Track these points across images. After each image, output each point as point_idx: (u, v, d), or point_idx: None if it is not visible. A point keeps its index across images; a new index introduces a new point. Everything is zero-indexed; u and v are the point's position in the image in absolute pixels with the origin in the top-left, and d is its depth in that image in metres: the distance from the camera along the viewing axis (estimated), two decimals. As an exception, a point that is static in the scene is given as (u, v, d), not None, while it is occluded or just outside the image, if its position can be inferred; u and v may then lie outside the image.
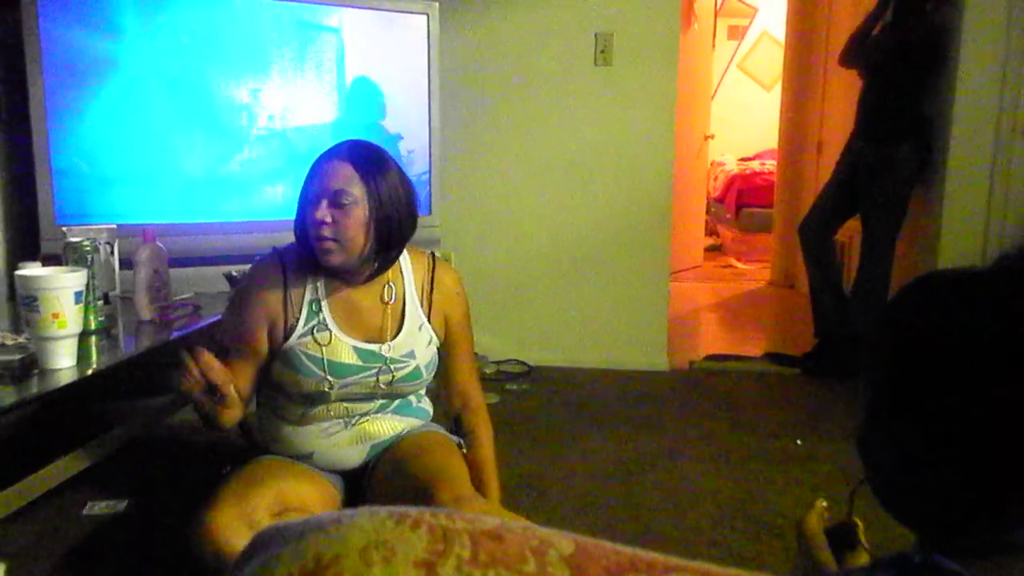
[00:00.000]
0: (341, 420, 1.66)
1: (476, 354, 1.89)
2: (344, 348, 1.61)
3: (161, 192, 2.49)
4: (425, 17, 2.89)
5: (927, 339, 0.70)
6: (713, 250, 7.26)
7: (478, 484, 1.67)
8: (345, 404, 1.64)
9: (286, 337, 1.60)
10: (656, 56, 3.56)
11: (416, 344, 1.67)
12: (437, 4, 2.92)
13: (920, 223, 3.46)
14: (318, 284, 1.63)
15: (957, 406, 0.66)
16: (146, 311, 2.04)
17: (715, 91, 7.75)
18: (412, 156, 2.91)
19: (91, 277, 1.74)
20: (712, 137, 6.77)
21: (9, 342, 1.66)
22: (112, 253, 2.01)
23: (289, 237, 1.65)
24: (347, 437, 1.66)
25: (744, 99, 8.49)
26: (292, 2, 2.63)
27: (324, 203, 1.53)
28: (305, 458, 1.66)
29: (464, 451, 1.74)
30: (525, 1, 3.58)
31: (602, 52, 3.57)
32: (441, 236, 3.00)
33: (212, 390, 1.48)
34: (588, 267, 3.73)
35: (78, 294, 1.54)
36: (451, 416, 1.81)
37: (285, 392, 1.65)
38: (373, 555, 0.47)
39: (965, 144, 3.25)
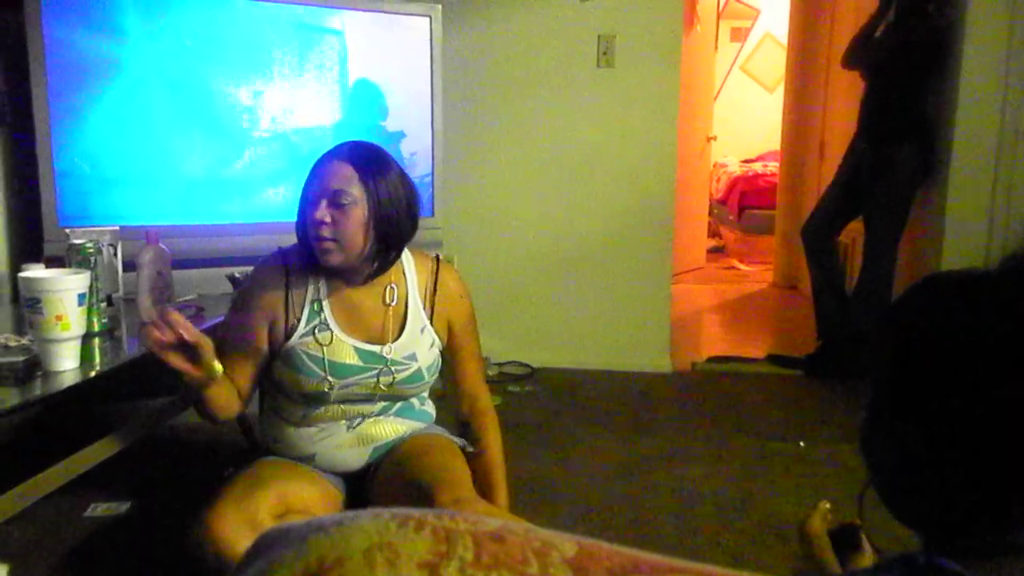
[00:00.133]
0: (343, 422, 1.66)
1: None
2: (345, 348, 1.61)
3: (164, 194, 2.50)
4: (427, 19, 2.89)
5: (931, 340, 0.70)
6: (715, 252, 7.26)
7: (487, 488, 1.66)
8: (346, 405, 1.64)
9: (287, 337, 1.61)
10: (658, 58, 3.56)
11: (418, 347, 1.67)
12: (439, 6, 2.92)
13: (923, 224, 3.46)
14: (320, 284, 1.63)
15: (960, 407, 0.66)
16: (149, 313, 2.04)
17: (717, 93, 7.74)
18: (414, 158, 2.91)
19: (94, 279, 1.74)
20: (714, 139, 6.77)
21: (12, 344, 1.66)
22: (115, 255, 2.01)
23: (292, 239, 1.65)
24: (349, 439, 1.66)
25: (747, 101, 8.49)
26: (294, 4, 2.63)
27: (323, 203, 1.53)
28: (307, 460, 1.66)
29: (469, 451, 1.74)
30: (527, 3, 3.58)
31: (604, 54, 3.57)
32: (443, 238, 3.00)
33: (189, 354, 1.45)
34: (590, 269, 3.73)
35: (81, 296, 1.55)
36: (460, 419, 1.81)
37: (286, 392, 1.65)
38: (376, 557, 0.47)
39: (968, 145, 3.25)
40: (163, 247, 2.07)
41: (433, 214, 2.96)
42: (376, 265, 1.61)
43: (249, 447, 2.41)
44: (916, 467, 0.70)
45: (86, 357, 1.61)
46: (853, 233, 3.88)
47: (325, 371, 1.59)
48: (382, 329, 1.65)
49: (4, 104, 2.44)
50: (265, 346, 1.62)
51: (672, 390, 3.48)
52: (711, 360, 3.86)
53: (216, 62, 2.55)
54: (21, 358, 1.54)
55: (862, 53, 3.55)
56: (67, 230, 1.98)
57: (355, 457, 1.67)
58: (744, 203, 7.00)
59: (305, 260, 1.62)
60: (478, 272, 3.39)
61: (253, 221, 2.60)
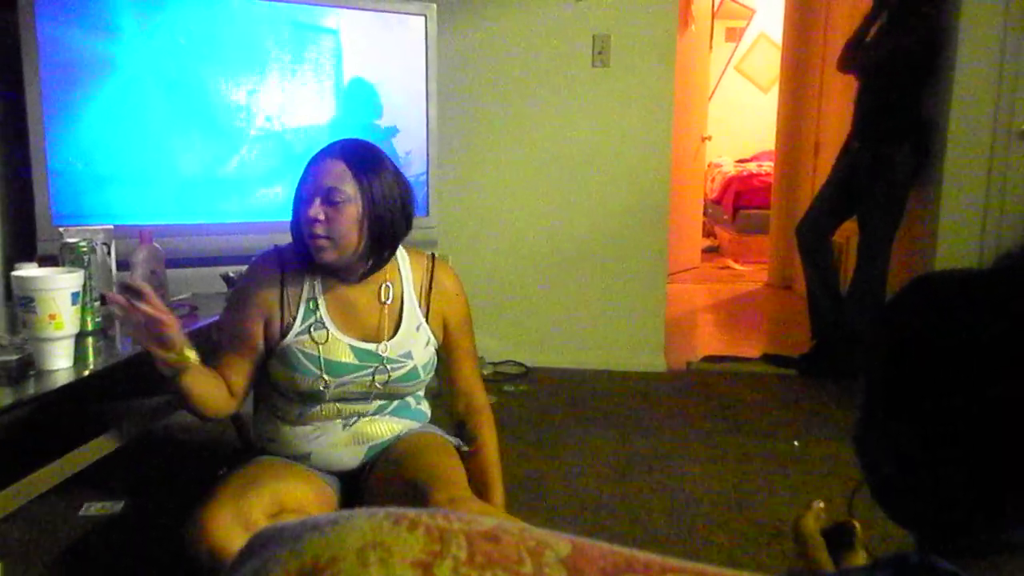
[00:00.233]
0: (339, 421, 1.66)
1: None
2: (341, 347, 1.61)
3: (158, 193, 2.49)
4: (423, 18, 2.89)
5: (925, 339, 0.70)
6: (710, 251, 7.27)
7: (482, 488, 1.67)
8: (342, 404, 1.64)
9: (283, 335, 1.60)
10: (653, 57, 3.57)
11: (414, 345, 1.67)
12: (435, 5, 2.92)
13: (917, 224, 3.47)
14: (315, 282, 1.63)
15: (954, 406, 0.66)
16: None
17: (712, 93, 7.75)
18: (409, 157, 2.91)
19: (88, 278, 1.74)
20: (709, 139, 6.78)
21: (5, 343, 1.66)
22: (109, 254, 2.01)
23: (286, 238, 1.65)
24: (344, 438, 1.66)
25: (741, 101, 8.50)
26: (289, 3, 2.63)
27: (317, 201, 1.53)
28: (302, 459, 1.66)
29: (464, 451, 1.74)
30: (522, 3, 3.59)
31: (599, 53, 3.57)
32: (438, 237, 3.01)
33: (156, 333, 1.43)
34: (586, 268, 3.74)
35: (75, 295, 1.54)
36: (455, 418, 1.81)
37: (282, 391, 1.65)
38: (370, 556, 0.47)
39: (962, 145, 3.26)
40: (157, 246, 2.07)
41: (428, 213, 2.96)
42: (371, 263, 1.61)
43: (243, 446, 2.41)
44: (910, 467, 0.71)
45: (80, 356, 1.61)
46: (847, 233, 3.89)
47: (321, 369, 1.59)
48: (378, 327, 1.65)
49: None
50: (260, 344, 1.62)
51: (667, 390, 3.48)
52: (706, 360, 3.87)
53: (211, 61, 2.54)
54: (14, 357, 1.54)
55: (858, 57, 3.55)
56: (61, 229, 1.97)
57: (350, 456, 1.67)
58: (739, 203, 7.01)
59: (300, 258, 1.62)
60: (473, 271, 3.39)
61: (247, 220, 2.60)
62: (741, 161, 8.21)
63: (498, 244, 3.77)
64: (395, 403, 1.72)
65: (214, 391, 1.58)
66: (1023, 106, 3.21)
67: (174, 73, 2.49)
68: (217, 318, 1.92)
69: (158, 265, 2.06)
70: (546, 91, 3.64)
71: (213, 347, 1.66)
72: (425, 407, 1.82)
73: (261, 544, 0.53)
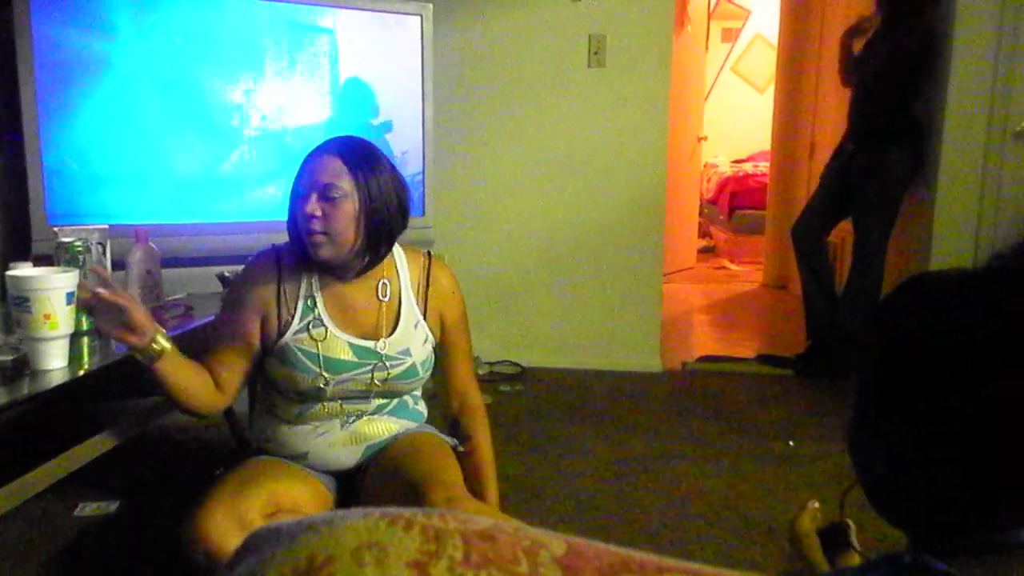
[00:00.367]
0: (336, 420, 1.66)
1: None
2: (340, 344, 1.61)
3: (154, 192, 2.49)
4: (419, 18, 2.89)
5: (917, 339, 0.70)
6: (706, 252, 7.28)
7: (476, 487, 1.67)
8: (340, 402, 1.64)
9: (281, 334, 1.60)
10: (649, 58, 3.57)
11: (412, 342, 1.67)
12: (431, 5, 2.92)
13: (912, 225, 3.48)
14: (312, 280, 1.63)
15: (947, 406, 0.66)
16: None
17: (708, 93, 7.76)
18: (405, 157, 2.91)
19: (83, 277, 1.73)
20: (705, 139, 6.78)
21: (0, 343, 1.65)
22: (104, 253, 2.00)
23: (281, 238, 1.65)
24: (342, 437, 1.66)
25: (737, 101, 8.51)
26: (285, 3, 2.63)
27: (314, 197, 1.53)
28: (299, 458, 1.66)
29: (460, 451, 1.74)
30: (518, 2, 3.59)
31: (595, 53, 3.57)
32: (434, 237, 3.00)
33: (125, 326, 1.43)
34: (581, 268, 3.74)
35: (70, 295, 1.54)
36: (449, 417, 1.81)
37: (280, 390, 1.65)
38: (366, 556, 0.47)
39: (957, 146, 3.27)
40: (152, 246, 2.07)
41: (424, 213, 2.96)
42: (367, 259, 1.61)
43: (238, 446, 2.40)
44: (903, 467, 0.71)
45: (74, 356, 1.61)
46: (843, 233, 3.90)
47: (320, 367, 1.59)
48: (376, 324, 1.65)
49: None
50: (257, 342, 1.62)
51: (662, 390, 3.49)
52: (701, 360, 3.87)
53: (206, 60, 2.54)
54: (9, 357, 1.53)
55: (858, 68, 3.55)
56: (56, 228, 1.97)
57: (348, 455, 1.67)
58: (734, 203, 7.01)
59: (297, 257, 1.62)
60: (469, 271, 3.39)
61: (243, 220, 2.59)
62: (737, 161, 8.22)
63: (494, 244, 3.77)
64: (393, 403, 1.72)
65: (195, 382, 1.57)
66: (1018, 107, 3.22)
67: (170, 72, 2.49)
68: (212, 318, 1.91)
69: (153, 265, 2.06)
70: (542, 91, 3.64)
71: (209, 344, 1.66)
72: (422, 407, 1.82)
73: (257, 544, 0.53)
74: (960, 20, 3.19)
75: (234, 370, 1.62)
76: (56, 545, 2.07)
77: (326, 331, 1.61)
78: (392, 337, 1.65)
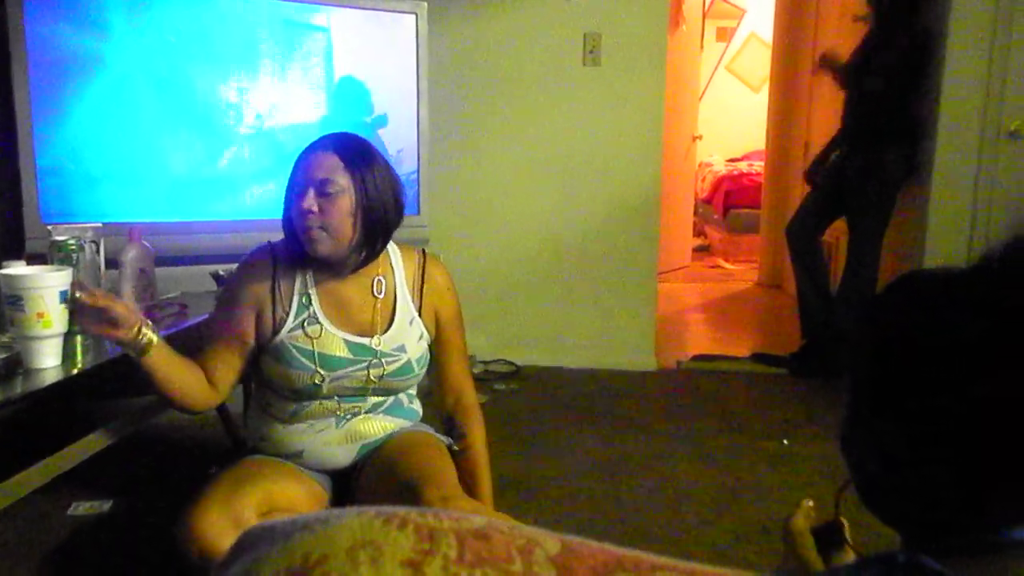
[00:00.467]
0: (332, 418, 1.65)
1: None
2: (335, 341, 1.61)
3: (147, 191, 2.48)
4: (414, 16, 2.88)
5: (909, 338, 0.70)
6: (701, 250, 7.28)
7: (471, 485, 1.67)
8: (336, 400, 1.64)
9: (276, 331, 1.60)
10: (644, 56, 3.57)
11: (407, 339, 1.67)
12: (425, 4, 2.92)
13: (906, 225, 3.48)
14: (307, 277, 1.63)
15: (939, 405, 0.66)
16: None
17: (703, 92, 7.76)
18: (400, 155, 2.90)
19: (76, 276, 1.73)
20: (700, 138, 6.79)
21: (-7, 341, 1.65)
22: (98, 252, 1.99)
23: (276, 237, 1.65)
24: (337, 436, 1.66)
25: (732, 100, 8.51)
26: (280, 1, 2.62)
27: (311, 192, 1.53)
28: (294, 457, 1.65)
29: (455, 449, 1.74)
30: (514, 1, 3.58)
31: (590, 52, 3.57)
32: (429, 236, 3.00)
33: (110, 321, 1.44)
34: (576, 267, 3.74)
35: (63, 293, 1.53)
36: (444, 415, 1.81)
37: (276, 388, 1.64)
38: (360, 555, 0.47)
39: (951, 147, 3.28)
40: (146, 244, 2.06)
41: (419, 212, 2.96)
42: (364, 255, 1.61)
43: (233, 445, 2.40)
44: (895, 465, 0.71)
45: (68, 355, 1.60)
46: (837, 233, 3.90)
47: (315, 364, 1.59)
48: (371, 321, 1.65)
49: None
50: (252, 339, 1.62)
51: (657, 389, 3.49)
52: (696, 359, 3.88)
53: (200, 58, 2.53)
54: (1, 356, 1.53)
55: (852, 69, 3.55)
56: (49, 227, 1.96)
57: (343, 454, 1.67)
58: (729, 202, 7.02)
59: (293, 254, 1.62)
60: (464, 270, 3.39)
61: (237, 218, 2.59)
62: (732, 160, 8.22)
63: (489, 243, 3.77)
64: (389, 402, 1.72)
65: (187, 377, 1.57)
66: (1012, 106, 3.23)
67: (164, 71, 2.48)
68: (207, 316, 1.91)
69: (147, 263, 2.05)
70: (537, 90, 3.64)
71: (204, 341, 1.66)
72: (417, 406, 1.82)
73: (251, 543, 0.53)
74: (954, 20, 3.20)
75: (228, 366, 1.62)
76: (49, 545, 2.06)
77: (321, 328, 1.60)
78: (387, 334, 1.65)
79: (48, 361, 1.55)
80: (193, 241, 2.48)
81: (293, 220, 1.57)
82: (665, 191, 3.90)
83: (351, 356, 1.62)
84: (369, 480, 1.64)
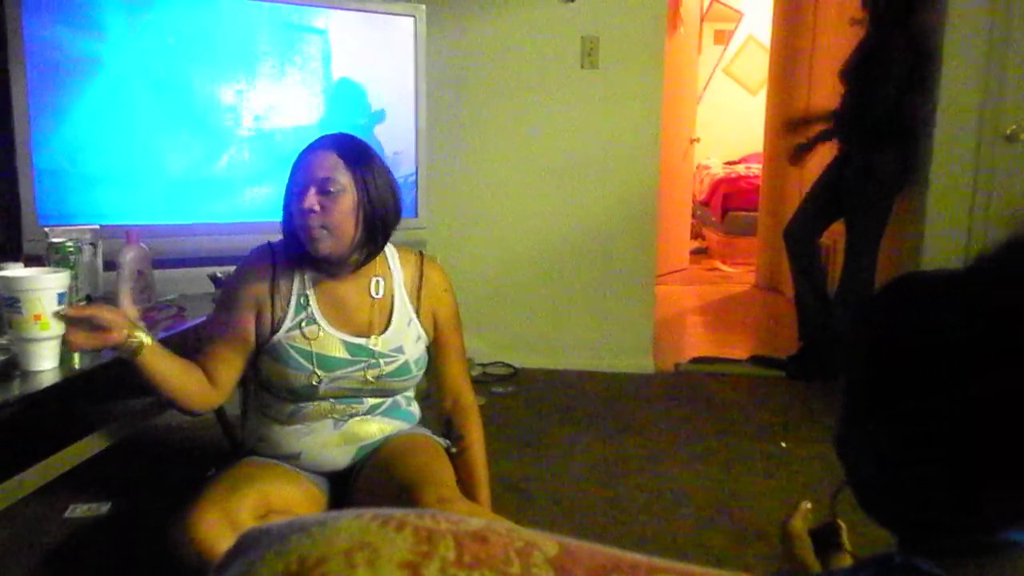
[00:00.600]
0: (329, 420, 1.65)
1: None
2: (333, 341, 1.61)
3: (145, 193, 2.48)
4: (412, 19, 2.88)
5: (904, 339, 0.70)
6: (699, 253, 7.29)
7: (469, 487, 1.67)
8: (333, 402, 1.64)
9: (274, 331, 1.60)
10: (642, 59, 3.57)
11: (405, 339, 1.67)
12: (424, 6, 2.92)
13: (904, 227, 3.49)
14: (305, 278, 1.64)
15: (933, 406, 0.67)
16: (130, 312, 2.02)
17: (701, 95, 7.78)
18: (398, 158, 2.90)
19: (74, 278, 1.73)
20: (698, 140, 6.79)
21: (-10, 343, 1.65)
22: (95, 254, 2.00)
23: (274, 239, 1.65)
24: (335, 437, 1.66)
25: (730, 103, 8.53)
26: (278, 3, 2.62)
27: (312, 191, 1.53)
28: (292, 458, 1.65)
29: (453, 452, 1.74)
30: (512, 4, 3.59)
31: (588, 55, 3.58)
32: (427, 238, 3.00)
33: (98, 327, 1.45)
34: (574, 270, 3.74)
35: (61, 295, 1.53)
36: (442, 417, 1.81)
37: (273, 390, 1.64)
38: (357, 557, 0.47)
39: (948, 148, 3.28)
40: (144, 246, 2.06)
41: (417, 214, 2.96)
42: (365, 253, 1.61)
43: (231, 447, 2.40)
44: (890, 466, 0.71)
45: (65, 357, 1.60)
46: (835, 235, 3.91)
47: (313, 364, 1.59)
48: (369, 322, 1.65)
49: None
50: (251, 338, 1.62)
51: (655, 391, 3.49)
52: (694, 361, 3.88)
53: (199, 60, 2.53)
54: (-1, 358, 1.53)
55: (849, 70, 3.55)
56: (47, 229, 1.96)
57: (341, 456, 1.67)
58: (727, 205, 7.03)
59: (292, 254, 1.62)
60: (462, 273, 3.39)
61: (235, 220, 2.59)
62: (729, 163, 8.24)
63: (487, 245, 3.77)
64: (387, 403, 1.72)
65: (184, 376, 1.56)
66: (1009, 109, 3.23)
67: (162, 72, 2.48)
68: (205, 318, 1.91)
69: (145, 265, 2.05)
70: (535, 92, 3.64)
71: (204, 341, 1.66)
72: (415, 408, 1.82)
73: (248, 545, 0.53)
74: (952, 21, 3.20)
75: (229, 366, 1.62)
76: (46, 547, 2.06)
77: (319, 328, 1.61)
78: (385, 334, 1.65)
79: (46, 363, 1.54)
80: (191, 243, 2.48)
81: (294, 220, 1.57)
82: (663, 194, 3.90)
83: (348, 356, 1.62)
84: (367, 482, 1.64)
